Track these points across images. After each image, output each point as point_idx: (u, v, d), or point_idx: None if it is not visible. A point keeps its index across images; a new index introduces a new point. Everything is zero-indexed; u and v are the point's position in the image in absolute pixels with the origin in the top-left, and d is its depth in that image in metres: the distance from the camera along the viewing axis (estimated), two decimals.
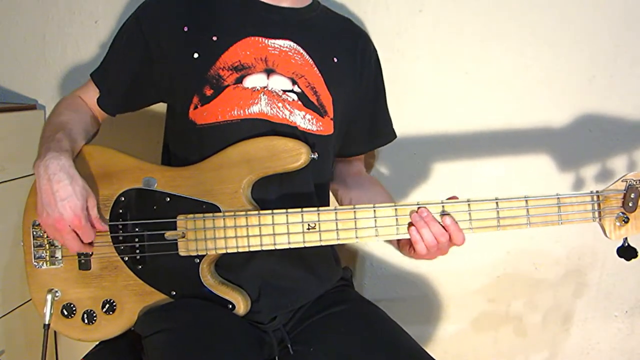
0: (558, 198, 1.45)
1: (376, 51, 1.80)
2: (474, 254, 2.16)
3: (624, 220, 1.46)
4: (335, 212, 1.45)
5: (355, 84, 1.71)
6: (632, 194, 1.45)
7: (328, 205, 1.67)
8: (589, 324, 2.22)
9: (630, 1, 1.92)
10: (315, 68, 1.62)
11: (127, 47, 1.65)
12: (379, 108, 1.84)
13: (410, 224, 1.45)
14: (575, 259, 2.16)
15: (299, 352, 1.61)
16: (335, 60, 1.66)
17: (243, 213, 1.47)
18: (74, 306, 1.58)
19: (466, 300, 2.24)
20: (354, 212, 1.45)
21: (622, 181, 1.46)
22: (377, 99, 1.82)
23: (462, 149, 2.08)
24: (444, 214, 1.44)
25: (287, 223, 1.46)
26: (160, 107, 1.73)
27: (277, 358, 1.61)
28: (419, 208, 1.45)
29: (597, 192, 1.47)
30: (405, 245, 1.56)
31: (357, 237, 1.46)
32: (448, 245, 1.47)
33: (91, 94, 1.71)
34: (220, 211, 1.49)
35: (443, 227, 1.44)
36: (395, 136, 1.89)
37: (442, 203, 1.45)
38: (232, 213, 1.48)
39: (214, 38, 1.57)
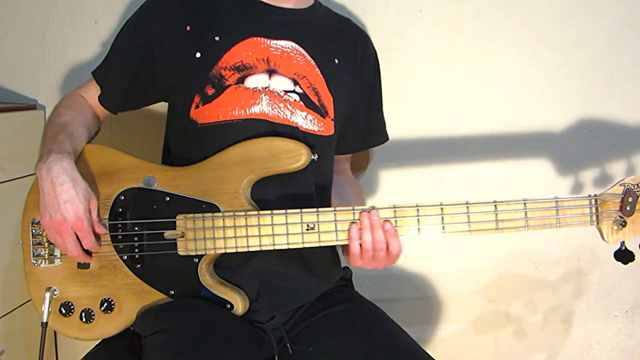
0: (556, 201, 1.46)
1: (376, 52, 1.81)
2: (474, 254, 2.16)
3: (621, 224, 1.47)
4: (334, 213, 1.45)
5: (354, 85, 1.72)
6: (630, 198, 1.45)
7: (329, 206, 1.67)
8: (589, 324, 2.22)
9: (630, 1, 1.93)
10: (317, 69, 1.62)
11: (129, 46, 1.66)
12: (375, 109, 1.84)
13: (353, 223, 1.46)
14: (575, 259, 2.16)
15: (298, 351, 1.60)
16: (337, 61, 1.67)
17: (242, 213, 1.47)
18: (72, 304, 1.58)
19: (466, 300, 2.24)
20: (353, 213, 1.45)
21: (619, 185, 1.47)
22: (373, 100, 1.82)
23: (462, 150, 2.08)
24: (385, 220, 1.45)
25: (287, 224, 1.46)
26: (162, 106, 1.73)
27: (276, 357, 1.61)
28: (369, 211, 1.45)
29: (595, 195, 1.47)
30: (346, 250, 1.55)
31: None
32: (385, 256, 1.47)
33: (92, 92, 1.72)
34: (219, 211, 1.49)
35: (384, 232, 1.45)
36: (388, 138, 1.89)
37: (441, 205, 1.45)
38: (232, 213, 1.48)
39: (217, 38, 1.57)
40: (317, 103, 1.61)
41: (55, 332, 1.69)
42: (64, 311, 1.58)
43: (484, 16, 1.99)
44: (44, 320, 1.56)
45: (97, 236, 1.53)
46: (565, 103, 2.02)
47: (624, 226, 1.47)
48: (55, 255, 1.58)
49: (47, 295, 1.56)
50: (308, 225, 1.45)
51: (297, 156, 1.48)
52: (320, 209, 1.46)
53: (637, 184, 1.46)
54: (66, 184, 1.42)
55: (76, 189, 1.43)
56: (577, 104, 2.01)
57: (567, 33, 1.97)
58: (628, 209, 1.45)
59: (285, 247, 1.47)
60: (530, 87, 2.02)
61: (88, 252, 1.54)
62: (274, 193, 1.56)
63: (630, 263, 1.48)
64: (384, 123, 1.88)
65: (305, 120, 1.59)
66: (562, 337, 2.26)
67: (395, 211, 1.45)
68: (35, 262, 1.59)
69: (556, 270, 2.18)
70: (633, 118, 1.99)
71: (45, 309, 1.56)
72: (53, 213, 1.43)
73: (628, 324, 2.21)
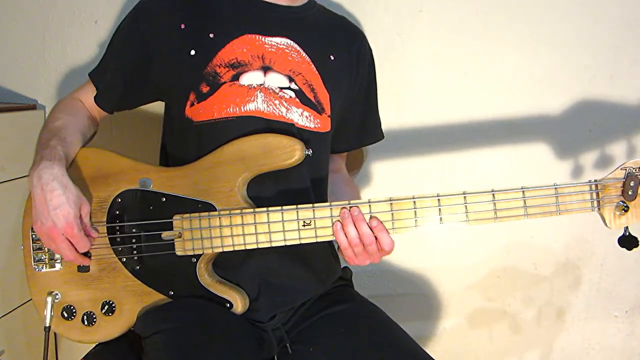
0: (556, 188, 1.42)
1: (371, 50, 1.81)
2: (473, 252, 2.16)
3: (623, 209, 1.43)
4: (330, 209, 1.45)
5: (350, 82, 1.72)
6: (632, 182, 1.41)
7: (326, 201, 1.67)
8: (589, 323, 2.22)
9: (630, 1, 1.92)
10: (312, 65, 1.62)
11: (125, 45, 1.66)
12: (370, 107, 1.84)
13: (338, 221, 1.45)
14: (575, 259, 2.16)
15: (298, 351, 1.61)
16: (332, 57, 1.67)
17: (238, 211, 1.47)
18: (73, 308, 1.58)
19: (465, 298, 2.24)
20: (349, 208, 1.44)
21: (621, 169, 1.43)
22: (368, 97, 1.82)
23: (461, 148, 2.08)
24: (371, 216, 1.44)
25: (283, 220, 1.45)
26: (159, 107, 1.73)
27: (276, 357, 1.61)
28: (350, 206, 1.44)
29: (595, 181, 1.43)
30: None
31: None
32: (378, 251, 1.46)
33: (89, 94, 1.72)
34: (215, 210, 1.49)
35: (371, 229, 1.43)
36: (383, 136, 1.89)
37: (438, 197, 1.43)
38: (227, 212, 1.48)
39: (211, 35, 1.57)
40: (313, 100, 1.61)
41: (55, 333, 1.69)
42: (66, 315, 1.58)
43: (484, 16, 1.99)
44: (47, 325, 1.57)
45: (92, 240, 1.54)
46: (565, 103, 2.01)
47: (626, 211, 1.43)
48: (56, 260, 1.59)
49: (49, 299, 1.56)
50: (304, 222, 1.45)
51: (291, 152, 1.47)
52: (316, 205, 1.45)
53: (639, 167, 1.42)
54: (56, 190, 1.42)
55: (67, 195, 1.43)
56: (577, 104, 2.01)
57: (567, 33, 1.97)
58: (630, 193, 1.42)
59: (282, 243, 1.46)
60: (530, 87, 2.02)
61: (86, 254, 1.54)
62: (269, 190, 1.56)
63: (634, 249, 1.45)
64: (379, 121, 1.88)
65: (301, 117, 1.58)
66: (562, 337, 2.26)
67: (391, 204, 1.44)
68: (36, 267, 1.59)
69: (556, 269, 2.17)
70: (633, 117, 1.99)
71: (48, 313, 1.56)
72: (44, 220, 1.44)
73: (628, 324, 2.21)
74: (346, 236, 1.44)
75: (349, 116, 1.76)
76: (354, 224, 1.43)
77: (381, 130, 1.89)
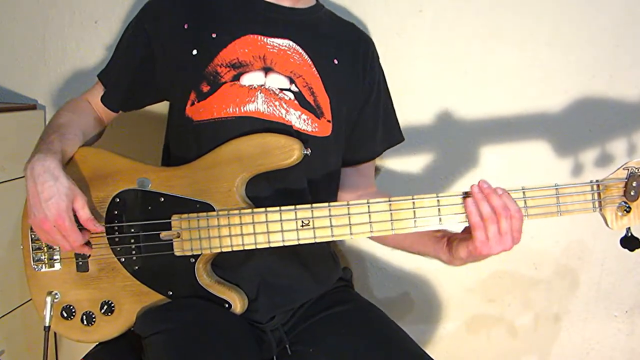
0: (556, 189, 1.41)
1: (378, 57, 1.80)
2: None
3: (625, 210, 1.42)
4: (329, 209, 1.44)
5: (356, 87, 1.71)
6: (634, 183, 1.40)
7: (323, 202, 1.67)
8: (589, 324, 2.21)
9: (630, 1, 1.91)
10: (314, 68, 1.61)
11: (131, 45, 1.68)
12: (385, 111, 1.82)
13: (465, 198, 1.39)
14: (574, 259, 2.15)
15: (298, 352, 1.61)
16: (336, 62, 1.66)
17: (237, 211, 1.47)
18: (73, 308, 1.58)
19: (465, 299, 2.23)
20: (348, 208, 1.44)
21: (623, 169, 1.42)
22: (382, 102, 1.80)
23: (461, 148, 2.07)
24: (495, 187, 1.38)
25: (281, 220, 1.45)
26: (160, 108, 1.74)
27: (275, 358, 1.61)
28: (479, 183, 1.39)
29: (597, 181, 1.42)
30: (460, 242, 1.47)
31: (351, 234, 1.45)
32: (510, 226, 1.37)
33: (96, 95, 1.74)
34: (214, 210, 1.49)
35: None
36: (403, 138, 1.88)
37: (437, 197, 1.42)
38: (226, 212, 1.48)
39: (213, 35, 1.57)
40: (312, 103, 1.60)
41: (55, 333, 1.70)
42: (65, 315, 1.59)
43: (484, 16, 1.98)
44: (46, 325, 1.57)
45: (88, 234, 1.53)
46: (565, 103, 2.00)
47: (628, 212, 1.42)
48: (55, 259, 1.59)
49: (49, 299, 1.57)
50: (303, 222, 1.44)
51: (289, 152, 1.47)
52: (314, 205, 1.44)
53: None
54: (47, 182, 1.42)
55: (57, 186, 1.42)
56: (577, 104, 2.00)
57: (567, 33, 1.96)
58: (632, 193, 1.41)
59: (281, 244, 1.46)
60: (530, 87, 2.01)
61: (88, 244, 1.54)
62: (267, 190, 1.56)
63: (637, 250, 1.44)
64: (398, 123, 1.87)
65: (299, 120, 1.58)
66: (561, 337, 2.25)
67: (390, 204, 1.43)
68: (35, 266, 1.59)
69: (556, 269, 2.17)
70: (633, 117, 1.98)
71: (47, 313, 1.57)
72: (36, 211, 1.43)
73: (628, 324, 2.19)
74: (480, 213, 1.37)
75: (364, 122, 1.75)
76: (487, 199, 1.37)
77: (400, 132, 1.87)
